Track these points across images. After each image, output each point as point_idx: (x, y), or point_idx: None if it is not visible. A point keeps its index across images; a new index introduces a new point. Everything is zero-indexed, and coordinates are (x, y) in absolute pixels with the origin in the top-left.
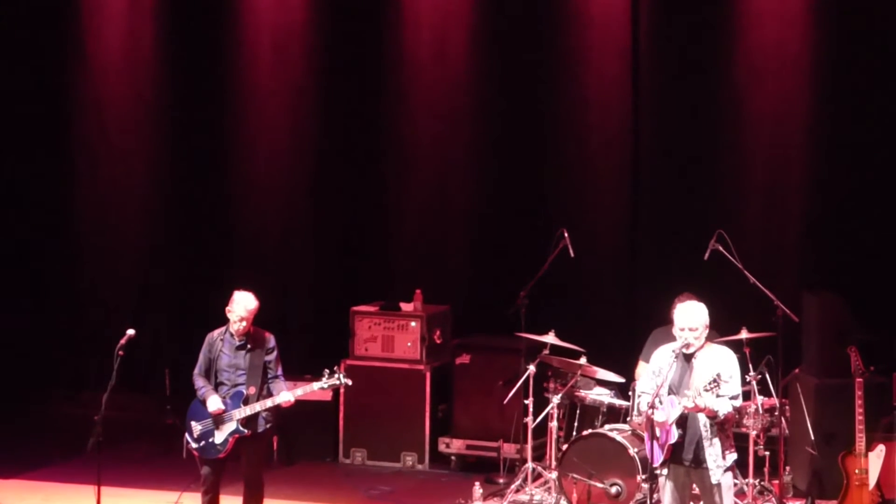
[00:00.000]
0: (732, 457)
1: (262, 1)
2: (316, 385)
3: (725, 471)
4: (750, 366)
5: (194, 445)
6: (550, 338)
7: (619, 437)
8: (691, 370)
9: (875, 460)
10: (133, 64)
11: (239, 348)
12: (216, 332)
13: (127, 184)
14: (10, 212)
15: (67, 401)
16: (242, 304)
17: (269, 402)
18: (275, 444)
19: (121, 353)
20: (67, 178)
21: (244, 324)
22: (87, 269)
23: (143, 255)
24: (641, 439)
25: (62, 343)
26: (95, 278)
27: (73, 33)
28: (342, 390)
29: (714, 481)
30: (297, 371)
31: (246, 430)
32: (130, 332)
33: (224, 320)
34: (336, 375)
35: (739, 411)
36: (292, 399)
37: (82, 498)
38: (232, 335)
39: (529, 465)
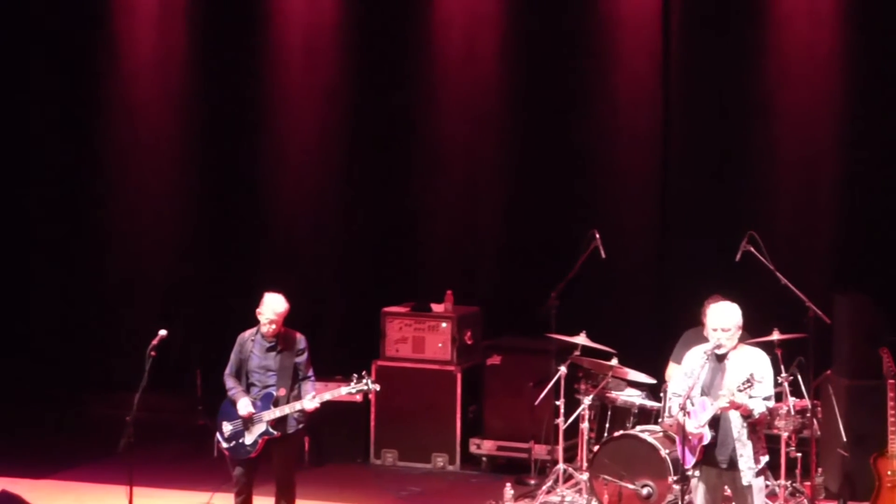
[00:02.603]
0: (764, 459)
1: (294, 2)
2: (344, 389)
3: (758, 473)
4: (782, 367)
5: (225, 445)
6: (581, 339)
7: (650, 439)
8: (724, 371)
9: None
10: (165, 65)
11: (269, 349)
12: (247, 333)
13: (158, 184)
14: (41, 212)
15: (99, 401)
16: (271, 307)
17: (297, 405)
18: (306, 446)
19: (153, 353)
20: (99, 179)
21: (274, 326)
22: (118, 270)
23: (174, 255)
24: (673, 440)
25: (94, 344)
26: (127, 279)
27: (106, 35)
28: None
29: (746, 483)
30: (328, 372)
31: (276, 432)
32: (162, 332)
33: (256, 321)
34: (364, 381)
35: (771, 413)
36: (317, 405)
37: (114, 498)
38: (263, 336)
39: (560, 466)
